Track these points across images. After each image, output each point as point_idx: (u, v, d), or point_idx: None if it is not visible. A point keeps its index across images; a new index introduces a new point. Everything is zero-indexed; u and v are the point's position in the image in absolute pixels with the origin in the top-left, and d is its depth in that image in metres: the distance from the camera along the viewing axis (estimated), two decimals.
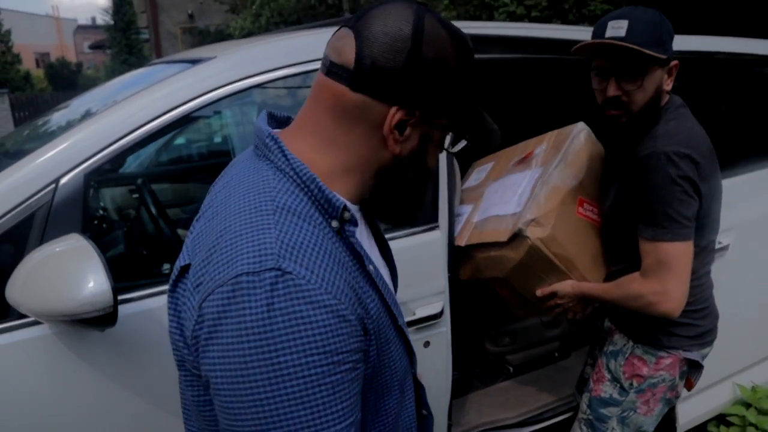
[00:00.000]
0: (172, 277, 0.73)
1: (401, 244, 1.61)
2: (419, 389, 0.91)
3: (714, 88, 2.34)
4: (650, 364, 1.52)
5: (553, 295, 1.60)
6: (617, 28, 1.34)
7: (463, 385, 2.32)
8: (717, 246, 2.03)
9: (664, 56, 1.36)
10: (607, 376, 1.60)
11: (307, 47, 1.54)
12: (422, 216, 1.66)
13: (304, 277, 0.62)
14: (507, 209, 1.65)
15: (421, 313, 1.61)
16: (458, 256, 1.74)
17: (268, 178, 0.70)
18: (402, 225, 0.93)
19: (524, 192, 1.66)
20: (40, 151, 1.32)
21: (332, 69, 0.72)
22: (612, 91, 1.38)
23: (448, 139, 0.80)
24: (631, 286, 1.43)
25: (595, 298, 1.55)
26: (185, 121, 1.39)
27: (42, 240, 1.21)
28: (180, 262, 0.73)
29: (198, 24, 12.97)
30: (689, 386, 1.60)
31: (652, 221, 1.35)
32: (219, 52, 1.57)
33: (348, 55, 0.70)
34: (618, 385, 1.57)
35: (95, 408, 1.25)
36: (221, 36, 12.14)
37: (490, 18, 8.87)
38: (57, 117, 1.95)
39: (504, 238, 1.57)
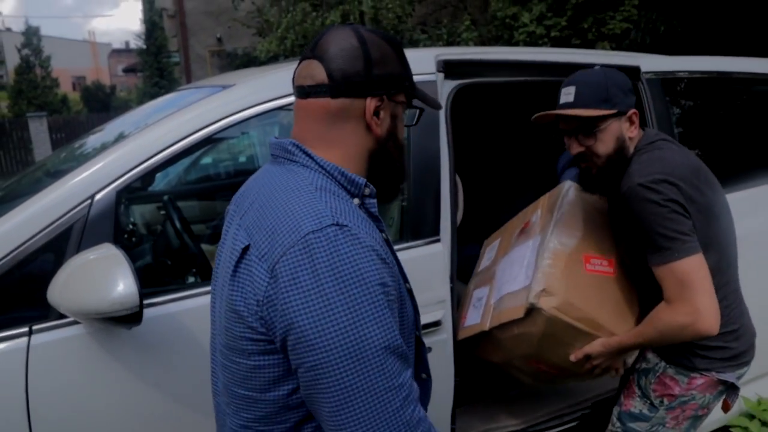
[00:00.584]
0: (233, 260, 0.88)
1: (405, 256, 1.73)
2: (421, 347, 1.05)
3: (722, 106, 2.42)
4: (682, 384, 1.52)
5: (588, 357, 1.55)
6: (567, 95, 1.49)
7: (470, 392, 2.40)
8: None
9: (612, 111, 1.46)
10: (638, 392, 1.61)
11: None
12: (425, 230, 1.77)
13: (356, 228, 0.81)
14: (517, 284, 1.63)
15: (423, 320, 1.71)
16: (486, 342, 1.75)
17: (298, 172, 0.90)
18: (393, 199, 1.09)
19: (529, 263, 1.64)
20: (78, 170, 1.48)
21: (310, 91, 0.93)
22: (575, 148, 1.51)
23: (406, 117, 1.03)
24: (661, 318, 1.40)
25: (630, 347, 1.52)
26: (207, 142, 1.54)
27: (79, 249, 1.36)
28: (239, 245, 0.87)
29: (226, 47, 13.38)
30: (725, 408, 1.59)
31: (655, 247, 1.38)
32: (239, 80, 1.72)
33: (319, 75, 0.92)
34: (648, 401, 1.58)
35: (122, 400, 1.39)
36: (248, 58, 12.50)
37: (510, 38, 9.01)
38: (92, 139, 2.13)
39: (520, 314, 1.54)
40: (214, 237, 2.51)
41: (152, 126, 1.56)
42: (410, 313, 0.97)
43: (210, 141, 1.56)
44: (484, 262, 2.04)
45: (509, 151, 3.32)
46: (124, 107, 18.03)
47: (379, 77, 0.92)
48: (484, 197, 3.08)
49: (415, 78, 1.74)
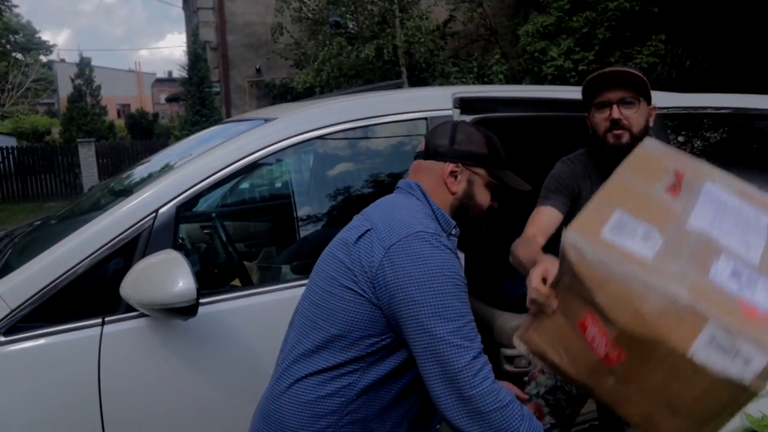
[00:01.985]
0: (358, 233, 1.21)
1: None
2: None
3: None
4: None
5: None
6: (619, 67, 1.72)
7: None
8: None
9: (648, 88, 1.70)
10: None
11: (343, 110, 1.95)
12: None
13: (446, 243, 1.18)
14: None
15: None
16: None
17: (414, 200, 1.29)
18: (466, 249, 1.40)
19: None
20: (144, 189, 1.76)
21: (417, 155, 1.38)
22: (616, 113, 1.68)
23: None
24: None
25: None
26: (251, 168, 1.81)
27: (145, 253, 1.63)
28: (363, 227, 1.22)
29: (264, 78, 13.97)
30: None
31: None
32: (280, 114, 2.00)
33: (422, 146, 1.38)
34: None
35: (176, 382, 1.64)
36: (286, 89, 13.02)
37: (540, 71, 9.25)
38: (149, 165, 2.43)
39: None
40: (249, 255, 2.78)
41: (206, 153, 1.84)
42: None
43: (254, 167, 1.82)
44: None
45: (522, 179, 3.52)
46: (166, 134, 18.84)
47: (458, 150, 1.32)
48: (500, 221, 3.28)
49: (435, 113, 2.02)
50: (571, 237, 1.09)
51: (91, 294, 1.64)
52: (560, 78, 8.63)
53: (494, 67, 10.19)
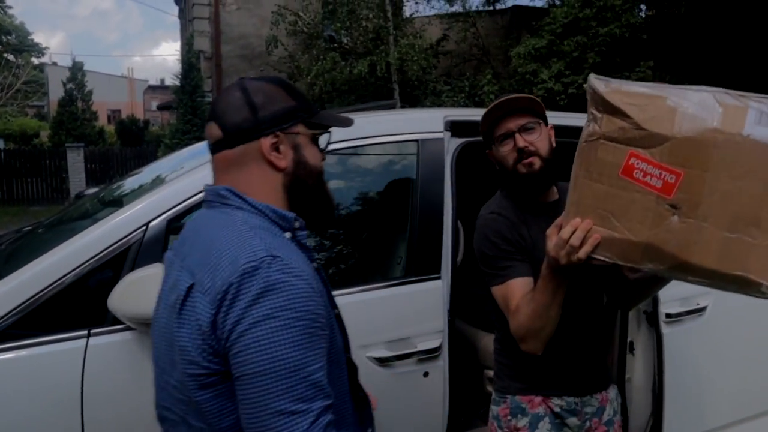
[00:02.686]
0: (178, 301, 0.96)
1: (410, 290, 1.98)
2: (353, 370, 1.15)
3: None
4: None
5: None
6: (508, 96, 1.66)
7: (465, 424, 2.58)
8: (695, 306, 2.30)
9: (544, 115, 1.67)
10: None
11: (336, 130, 1.98)
12: (428, 268, 2.02)
13: (287, 259, 0.91)
14: None
15: (422, 346, 1.95)
16: None
17: (233, 214, 1.01)
18: (325, 227, 1.20)
19: None
20: (136, 201, 1.78)
21: (213, 147, 1.07)
22: (521, 142, 1.60)
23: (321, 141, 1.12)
24: None
25: None
26: None
27: (134, 266, 1.64)
28: (183, 285, 0.96)
29: None
30: None
31: None
32: None
33: (216, 132, 1.05)
34: None
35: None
36: None
37: (531, 93, 9.37)
38: (141, 176, 2.45)
39: None
40: None
41: (199, 167, 1.86)
42: (339, 337, 1.07)
43: None
44: None
45: None
46: (156, 142, 18.76)
47: (266, 117, 1.03)
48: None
49: (427, 136, 2.05)
50: (592, 79, 1.19)
51: (78, 305, 1.64)
52: (550, 100, 8.76)
53: (485, 87, 10.33)
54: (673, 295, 2.24)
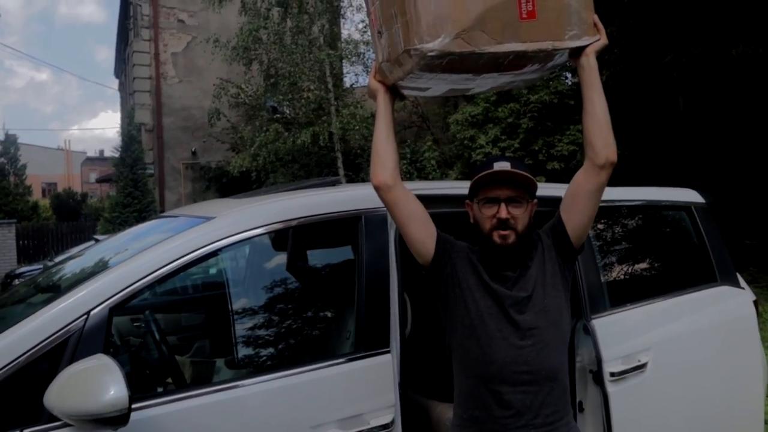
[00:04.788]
0: None
1: (359, 365, 1.98)
2: None
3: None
4: None
5: None
6: (503, 166, 1.71)
7: None
8: (636, 364, 2.38)
9: (535, 190, 1.74)
10: None
11: (282, 209, 2.01)
12: (377, 342, 2.03)
13: None
14: None
15: (374, 423, 1.93)
16: None
17: None
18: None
19: None
20: (76, 289, 1.73)
21: None
22: (504, 213, 1.67)
23: None
24: None
25: None
26: (188, 266, 1.82)
27: (74, 358, 1.58)
28: None
29: (200, 160, 13.96)
30: None
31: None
32: (217, 212, 2.03)
33: None
34: None
35: None
36: (221, 172, 13.03)
37: (470, 157, 9.74)
38: (82, 260, 2.38)
39: None
40: (185, 348, 2.71)
41: (143, 251, 1.84)
42: None
43: (191, 265, 1.83)
44: None
45: None
46: (95, 215, 18.20)
47: None
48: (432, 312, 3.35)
49: (370, 211, 2.11)
50: None
51: (11, 403, 1.55)
52: None
53: (426, 153, 10.66)
54: (616, 354, 2.33)
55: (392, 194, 1.78)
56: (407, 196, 1.80)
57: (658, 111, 9.12)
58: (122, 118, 17.16)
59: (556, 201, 1.86)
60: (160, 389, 2.06)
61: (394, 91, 1.87)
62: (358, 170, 11.51)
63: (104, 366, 1.48)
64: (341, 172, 10.43)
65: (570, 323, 1.84)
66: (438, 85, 1.88)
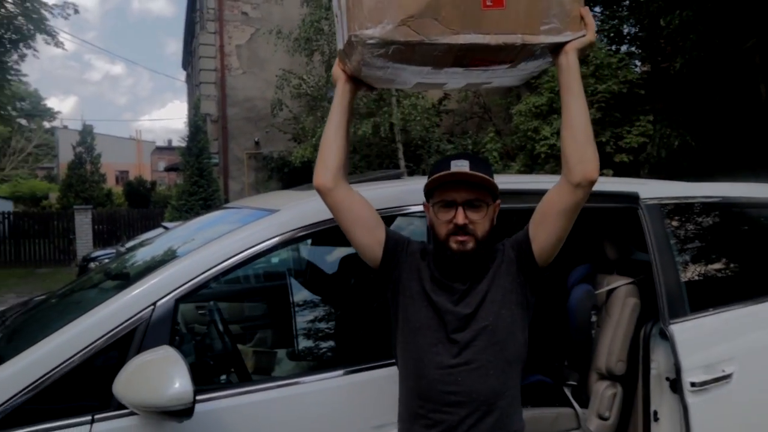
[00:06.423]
0: None
1: None
2: None
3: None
4: None
5: None
6: (461, 166, 1.53)
7: None
8: (720, 374, 2.22)
9: (497, 192, 1.57)
10: None
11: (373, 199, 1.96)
12: None
13: None
14: None
15: None
16: None
17: None
18: None
19: None
20: (144, 279, 1.75)
21: None
22: (461, 219, 1.51)
23: None
24: None
25: None
26: (253, 259, 1.81)
27: (141, 348, 1.60)
28: None
29: (263, 150, 14.22)
30: None
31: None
32: (282, 204, 2.01)
33: None
34: None
35: None
36: (283, 162, 13.24)
37: (533, 149, 9.47)
38: (151, 248, 2.43)
39: None
40: (247, 337, 2.73)
41: (209, 243, 1.84)
42: None
43: (255, 258, 1.82)
44: None
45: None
46: (163, 202, 18.94)
47: None
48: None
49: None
50: None
51: (82, 389, 1.59)
52: (553, 156, 8.83)
53: (488, 145, 10.44)
54: (697, 362, 2.17)
55: (332, 197, 1.63)
56: (350, 199, 1.64)
57: (738, 99, 8.56)
58: (189, 109, 17.73)
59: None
60: (223, 379, 2.08)
61: (359, 81, 1.69)
62: (419, 161, 11.42)
63: (170, 358, 1.48)
64: (402, 163, 10.36)
65: (524, 345, 1.61)
66: (402, 77, 1.67)
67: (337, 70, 1.69)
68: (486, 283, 1.58)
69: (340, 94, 1.67)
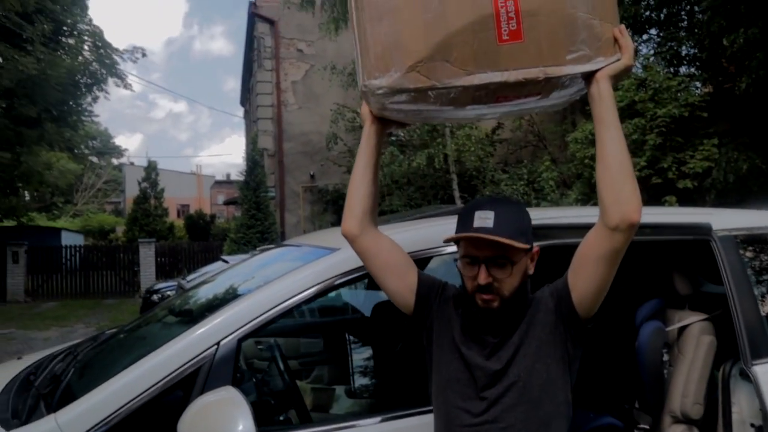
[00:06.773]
0: None
1: None
2: None
3: None
4: None
5: None
6: (485, 219, 1.41)
7: None
8: None
9: (527, 246, 1.43)
10: None
11: (403, 242, 1.96)
12: None
13: None
14: None
15: None
16: None
17: None
18: None
19: None
20: (207, 319, 1.78)
21: None
22: (483, 278, 1.39)
23: None
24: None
25: None
26: (313, 299, 1.81)
27: (205, 387, 1.61)
28: None
29: (318, 183, 14.48)
30: None
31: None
32: (342, 244, 2.02)
33: None
34: None
35: None
36: (338, 194, 13.42)
37: (590, 177, 9.24)
38: (214, 285, 2.48)
39: None
40: (305, 373, 2.73)
41: (270, 284, 1.86)
42: None
43: (316, 298, 1.83)
44: None
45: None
46: (222, 235, 19.49)
47: None
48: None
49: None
50: None
51: (149, 428, 1.62)
52: None
53: (544, 174, 10.27)
54: None
55: (359, 244, 1.59)
56: (378, 246, 1.59)
57: None
58: (247, 144, 18.31)
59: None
60: (283, 417, 2.07)
61: (387, 120, 1.60)
62: (473, 192, 11.35)
63: (233, 400, 1.49)
64: (456, 194, 10.32)
65: (565, 403, 1.47)
66: (426, 114, 1.57)
67: (364, 110, 1.61)
68: (519, 336, 1.46)
69: (367, 135, 1.61)
